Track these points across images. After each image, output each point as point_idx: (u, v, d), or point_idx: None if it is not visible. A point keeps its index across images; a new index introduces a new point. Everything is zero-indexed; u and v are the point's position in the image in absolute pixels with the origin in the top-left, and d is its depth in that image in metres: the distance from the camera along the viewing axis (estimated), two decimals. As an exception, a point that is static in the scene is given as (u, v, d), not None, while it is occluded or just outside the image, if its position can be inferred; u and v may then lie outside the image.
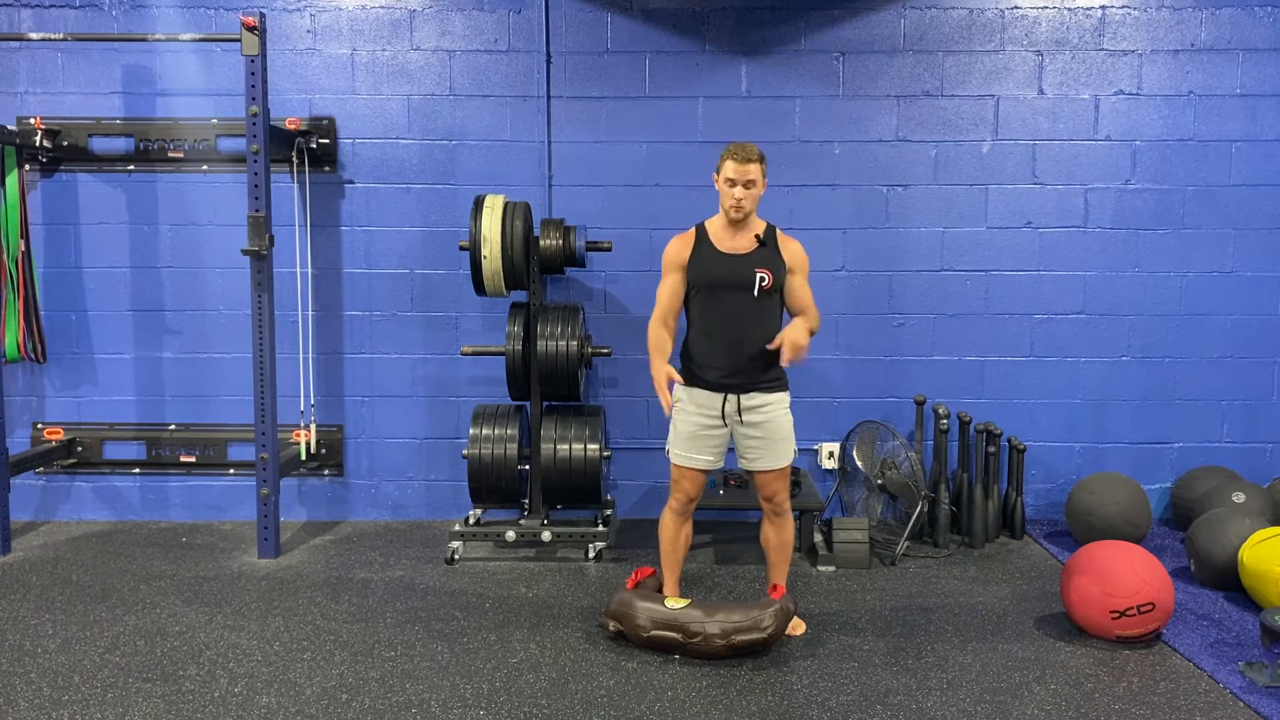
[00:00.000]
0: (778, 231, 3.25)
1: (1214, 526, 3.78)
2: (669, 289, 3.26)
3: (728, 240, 3.20)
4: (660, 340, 3.23)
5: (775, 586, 3.35)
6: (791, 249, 3.23)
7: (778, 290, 3.20)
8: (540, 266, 4.15)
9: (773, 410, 3.21)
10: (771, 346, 3.12)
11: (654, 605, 3.15)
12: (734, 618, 3.08)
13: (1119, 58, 4.53)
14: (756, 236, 3.19)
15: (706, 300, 3.21)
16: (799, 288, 3.23)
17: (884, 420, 4.49)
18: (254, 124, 3.93)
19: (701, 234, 3.24)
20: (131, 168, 4.54)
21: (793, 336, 3.06)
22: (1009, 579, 3.91)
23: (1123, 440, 4.67)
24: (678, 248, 3.26)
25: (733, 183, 3.10)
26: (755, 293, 3.14)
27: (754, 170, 3.10)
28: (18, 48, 4.48)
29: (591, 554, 4.11)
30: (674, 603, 3.16)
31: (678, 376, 3.15)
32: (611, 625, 3.24)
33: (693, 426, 3.23)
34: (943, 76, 4.53)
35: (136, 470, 4.65)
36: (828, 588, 3.80)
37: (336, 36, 4.51)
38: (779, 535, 3.36)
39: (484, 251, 3.98)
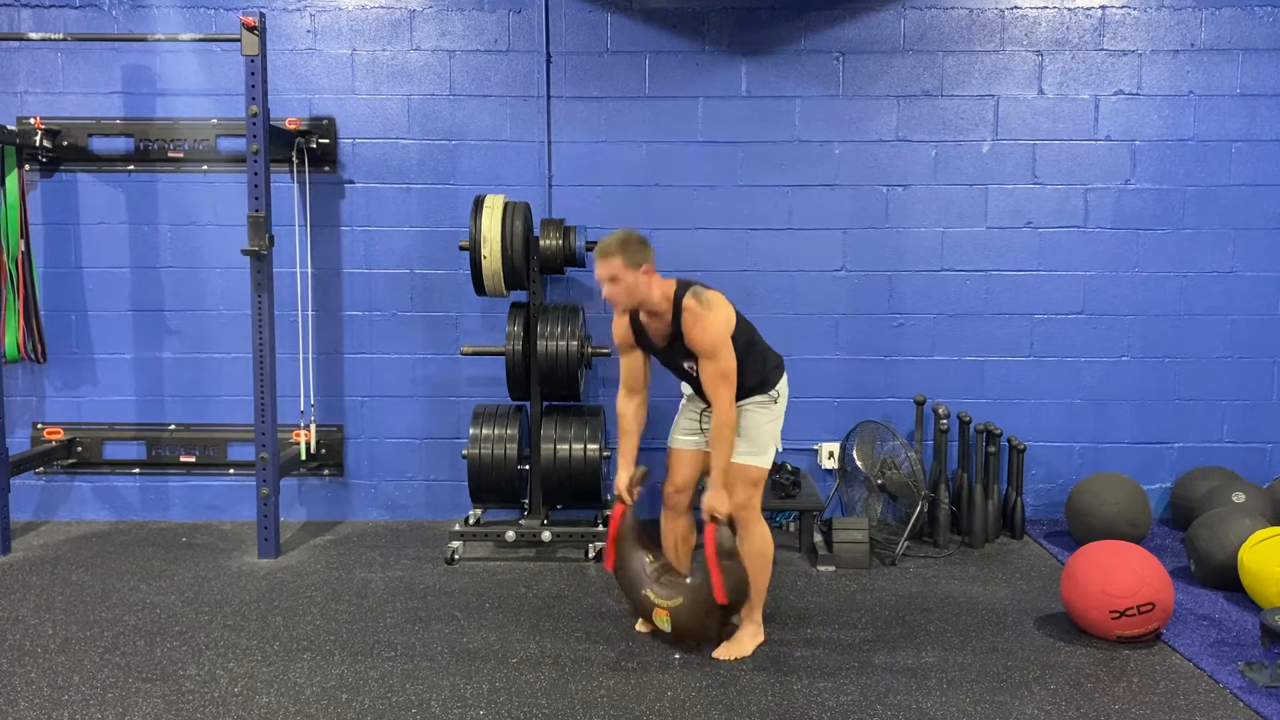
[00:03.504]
0: (684, 307, 3.02)
1: (1214, 526, 3.78)
2: (627, 365, 3.28)
3: (654, 328, 3.13)
4: (627, 417, 3.26)
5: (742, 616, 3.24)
6: (692, 334, 3.02)
7: None
8: (540, 266, 4.15)
9: (741, 407, 3.16)
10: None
11: (639, 569, 3.20)
12: (668, 591, 3.12)
13: (1119, 58, 4.53)
14: (670, 331, 3.08)
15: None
16: (703, 368, 3.03)
17: (884, 420, 4.49)
18: (254, 124, 3.93)
19: (633, 317, 3.19)
20: (131, 168, 4.54)
21: (710, 506, 3.02)
22: (1009, 579, 3.91)
23: (1123, 440, 4.67)
24: (621, 331, 3.23)
25: (600, 281, 3.06)
26: (695, 376, 3.13)
27: (607, 267, 2.99)
28: (18, 48, 4.48)
29: (591, 554, 4.11)
30: (651, 565, 3.18)
31: (633, 484, 3.22)
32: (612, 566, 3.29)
33: (682, 410, 3.35)
34: (943, 76, 4.53)
35: (136, 470, 4.65)
36: (828, 588, 3.80)
37: (336, 36, 4.51)
38: (739, 549, 3.15)
39: (484, 251, 3.98)
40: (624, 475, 3.23)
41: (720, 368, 3.00)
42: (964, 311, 4.62)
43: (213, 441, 4.64)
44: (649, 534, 3.32)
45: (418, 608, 3.57)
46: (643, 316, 3.14)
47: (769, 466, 3.19)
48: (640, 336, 3.20)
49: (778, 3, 4.49)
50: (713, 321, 3.01)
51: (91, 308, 4.61)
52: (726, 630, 3.17)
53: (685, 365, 3.12)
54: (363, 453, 4.69)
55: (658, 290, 3.06)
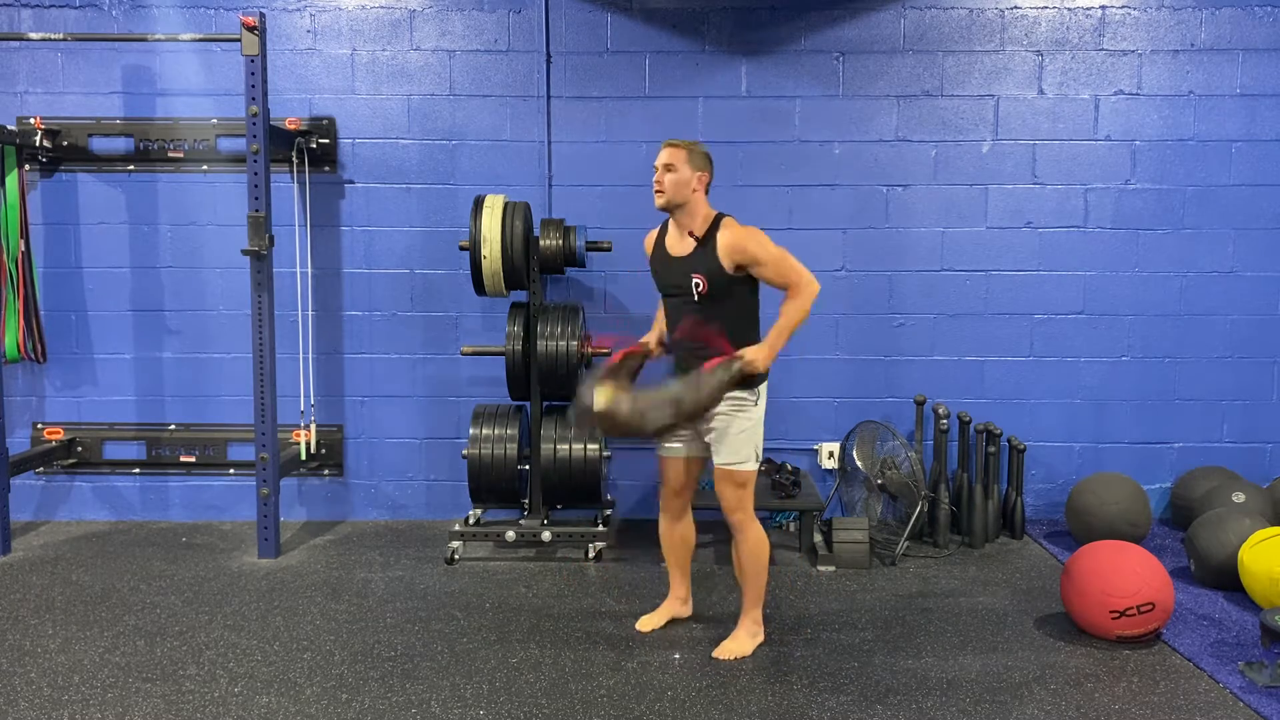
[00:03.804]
0: (723, 224, 3.06)
1: (1214, 526, 3.78)
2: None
3: (675, 241, 3.15)
4: (660, 316, 3.36)
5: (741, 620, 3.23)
6: (726, 240, 3.01)
7: (720, 293, 3.04)
8: (540, 266, 4.15)
9: (720, 406, 3.06)
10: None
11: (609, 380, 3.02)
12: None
13: (1119, 58, 4.53)
14: (697, 237, 3.08)
15: (663, 298, 3.27)
16: (766, 275, 3.03)
17: (884, 420, 4.49)
18: (254, 124, 3.93)
19: (663, 231, 3.23)
20: (131, 168, 4.54)
21: (750, 357, 2.94)
22: (1009, 579, 3.91)
23: (1123, 440, 4.67)
24: (648, 243, 3.30)
25: (656, 168, 3.09)
26: (695, 297, 3.07)
27: (670, 155, 3.05)
28: (18, 48, 4.48)
29: (591, 554, 4.11)
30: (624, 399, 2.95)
31: (659, 341, 3.27)
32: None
33: None
34: (943, 76, 4.53)
35: (136, 470, 4.65)
36: (828, 588, 3.80)
37: (336, 36, 4.51)
38: (735, 550, 3.20)
39: (484, 251, 3.98)
40: (655, 334, 3.32)
41: (785, 266, 3.02)
42: (964, 311, 4.62)
43: (213, 441, 4.64)
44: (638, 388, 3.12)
45: (418, 608, 3.57)
46: (670, 235, 3.16)
47: (755, 469, 3.12)
48: (658, 252, 3.20)
49: (778, 3, 4.49)
50: (765, 236, 3.06)
51: (91, 308, 4.61)
52: (658, 438, 3.11)
53: (694, 278, 3.05)
54: (363, 453, 4.69)
55: (702, 208, 3.11)
